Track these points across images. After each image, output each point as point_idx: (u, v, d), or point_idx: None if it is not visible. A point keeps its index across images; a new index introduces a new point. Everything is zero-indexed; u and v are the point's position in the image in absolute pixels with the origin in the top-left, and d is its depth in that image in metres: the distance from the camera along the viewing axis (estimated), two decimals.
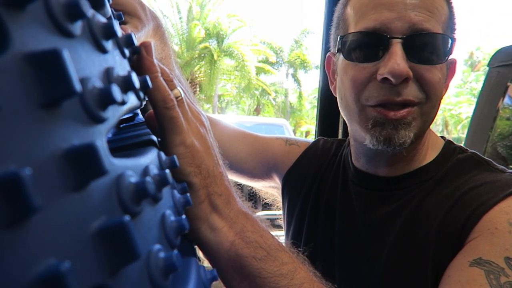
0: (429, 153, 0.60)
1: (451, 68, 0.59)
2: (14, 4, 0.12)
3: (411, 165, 0.59)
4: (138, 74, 0.33)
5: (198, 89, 18.02)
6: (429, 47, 0.51)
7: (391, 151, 0.55)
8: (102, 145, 0.15)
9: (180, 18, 17.65)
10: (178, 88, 0.36)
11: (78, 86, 0.13)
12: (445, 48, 0.53)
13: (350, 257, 0.61)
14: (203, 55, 17.15)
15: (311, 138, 0.90)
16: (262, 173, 0.80)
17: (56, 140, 0.13)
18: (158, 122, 0.35)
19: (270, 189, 0.85)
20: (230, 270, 0.36)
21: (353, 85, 0.55)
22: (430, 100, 0.53)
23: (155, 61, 0.35)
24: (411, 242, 0.54)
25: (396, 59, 0.50)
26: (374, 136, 0.54)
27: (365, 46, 0.54)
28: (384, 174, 0.61)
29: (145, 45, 0.34)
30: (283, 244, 0.39)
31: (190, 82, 17.35)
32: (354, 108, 0.56)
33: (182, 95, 0.37)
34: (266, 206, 3.74)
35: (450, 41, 0.53)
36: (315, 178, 0.72)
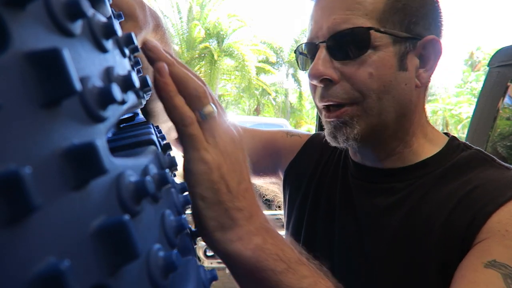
0: (428, 148, 0.59)
1: (428, 48, 0.55)
2: (14, 3, 0.12)
3: (407, 159, 0.59)
4: (157, 93, 0.35)
5: None
6: (346, 43, 0.53)
7: (352, 146, 0.59)
8: (102, 144, 0.15)
9: (180, 18, 17.65)
10: (211, 104, 0.36)
11: (78, 85, 0.13)
12: (364, 40, 0.52)
13: (349, 252, 0.61)
14: (203, 55, 17.15)
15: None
16: (265, 167, 0.80)
17: (56, 139, 0.13)
18: (179, 138, 0.36)
19: (271, 185, 0.84)
20: (249, 281, 0.36)
21: (310, 91, 0.61)
22: (368, 96, 0.53)
23: (184, 71, 0.36)
24: (410, 238, 0.53)
25: (315, 61, 0.55)
26: (326, 133, 0.60)
27: (305, 55, 0.62)
28: (381, 167, 0.61)
29: (158, 68, 0.35)
30: (304, 257, 0.39)
31: None
32: (318, 109, 0.62)
33: (215, 110, 0.36)
34: (266, 203, 3.73)
35: (372, 30, 0.52)
36: (316, 171, 0.72)
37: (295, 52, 0.64)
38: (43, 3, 0.14)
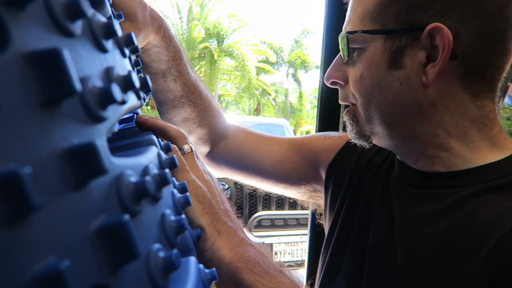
0: (486, 154, 0.50)
1: (435, 38, 0.46)
2: (15, 3, 0.12)
3: (451, 162, 0.51)
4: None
5: None
6: (344, 47, 0.54)
7: (363, 143, 0.58)
8: (102, 144, 0.15)
9: (180, 18, 17.65)
10: (189, 143, 0.48)
11: (78, 86, 0.14)
12: (353, 42, 0.52)
13: (381, 261, 0.55)
14: (203, 55, 17.15)
15: None
16: (304, 174, 0.76)
17: (56, 139, 0.13)
18: None
19: (308, 195, 0.79)
20: (230, 285, 0.41)
21: None
22: (359, 97, 0.54)
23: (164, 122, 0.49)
24: (452, 254, 0.46)
25: (331, 64, 0.57)
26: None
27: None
28: (422, 169, 0.54)
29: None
30: (285, 270, 0.43)
31: None
32: None
33: (192, 149, 0.48)
34: (266, 206, 3.74)
35: (358, 32, 0.51)
36: (357, 167, 0.68)
37: None
38: (43, 3, 0.14)
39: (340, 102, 0.60)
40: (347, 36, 0.52)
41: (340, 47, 0.55)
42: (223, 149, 0.78)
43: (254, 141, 0.78)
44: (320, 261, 0.68)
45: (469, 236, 0.45)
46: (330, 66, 0.57)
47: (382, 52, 0.50)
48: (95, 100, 0.16)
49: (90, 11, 0.19)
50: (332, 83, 0.58)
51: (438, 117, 0.51)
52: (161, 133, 0.47)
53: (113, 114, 0.20)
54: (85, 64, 0.17)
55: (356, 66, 0.53)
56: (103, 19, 0.21)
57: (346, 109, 0.59)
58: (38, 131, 0.12)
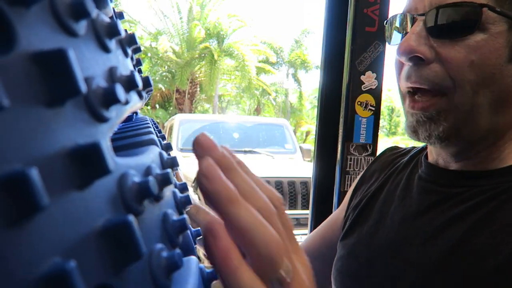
0: None
1: None
2: (20, 4, 0.12)
3: (492, 164, 0.49)
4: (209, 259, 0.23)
5: (198, 89, 18.01)
6: (450, 20, 0.45)
7: (433, 145, 0.50)
8: (106, 144, 0.15)
9: (181, 18, 17.65)
10: (286, 264, 0.23)
11: (83, 86, 0.14)
12: (473, 18, 0.44)
13: (396, 257, 0.52)
14: (203, 55, 17.15)
15: (311, 138, 0.88)
16: None
17: (61, 139, 0.13)
18: None
19: None
20: None
21: (395, 70, 0.53)
22: (461, 87, 0.45)
23: (251, 214, 0.22)
24: (471, 253, 0.44)
25: (408, 35, 0.47)
26: (406, 126, 0.50)
27: (396, 29, 0.53)
28: (456, 168, 0.51)
29: (210, 227, 0.22)
30: None
31: (190, 82, 17.36)
32: (401, 94, 0.53)
33: (290, 271, 0.23)
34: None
35: (485, 8, 0.44)
36: (379, 174, 0.65)
37: (385, 24, 0.56)
38: (48, 3, 0.14)
39: (406, 83, 0.49)
40: (482, 8, 0.43)
41: (447, 15, 0.45)
42: None
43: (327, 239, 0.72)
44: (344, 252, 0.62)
45: (493, 233, 0.43)
46: (407, 37, 0.47)
47: (506, 41, 0.44)
48: (99, 100, 0.16)
49: (94, 11, 0.19)
50: (412, 58, 0.47)
51: None
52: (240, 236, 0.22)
53: (117, 114, 0.20)
54: (89, 64, 0.17)
55: (467, 47, 0.44)
56: (106, 19, 0.21)
57: (426, 102, 0.47)
58: (43, 131, 0.13)
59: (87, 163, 0.14)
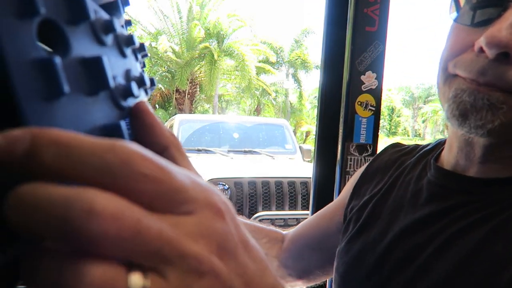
0: None
1: None
2: (73, 23, 0.19)
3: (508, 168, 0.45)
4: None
5: (198, 89, 18.02)
6: None
7: (475, 135, 0.43)
8: (124, 126, 0.21)
9: (180, 18, 17.65)
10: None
11: (112, 82, 0.20)
12: None
13: (406, 265, 0.50)
14: (203, 55, 17.14)
15: (311, 138, 0.87)
16: None
17: (94, 118, 0.20)
18: None
19: None
20: None
21: (447, 52, 0.45)
22: None
23: None
24: (484, 264, 0.42)
25: (502, 25, 0.38)
26: (450, 108, 0.42)
27: (479, 8, 0.42)
28: (473, 174, 0.48)
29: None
30: None
31: (190, 82, 17.35)
32: (440, 79, 0.46)
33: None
34: (266, 206, 3.74)
35: None
36: (385, 174, 0.62)
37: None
38: (89, 22, 0.20)
39: (479, 79, 0.40)
40: None
41: None
42: (286, 247, 0.75)
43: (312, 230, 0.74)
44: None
45: (503, 243, 0.41)
46: (499, 26, 0.38)
47: None
48: (120, 93, 0.22)
49: (119, 27, 0.24)
50: (500, 54, 0.38)
51: None
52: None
53: (131, 105, 0.25)
54: (113, 67, 0.23)
55: None
56: (125, 32, 0.28)
57: (500, 92, 0.39)
58: (84, 111, 0.19)
59: (111, 137, 0.18)
